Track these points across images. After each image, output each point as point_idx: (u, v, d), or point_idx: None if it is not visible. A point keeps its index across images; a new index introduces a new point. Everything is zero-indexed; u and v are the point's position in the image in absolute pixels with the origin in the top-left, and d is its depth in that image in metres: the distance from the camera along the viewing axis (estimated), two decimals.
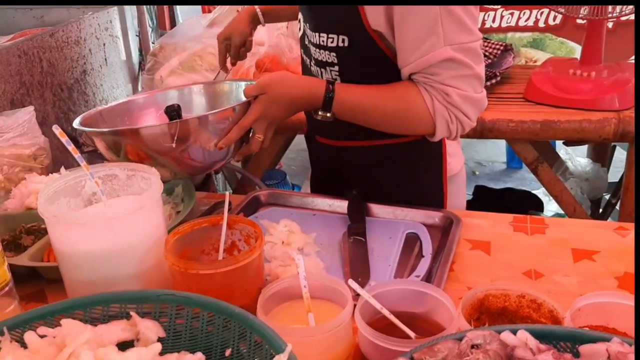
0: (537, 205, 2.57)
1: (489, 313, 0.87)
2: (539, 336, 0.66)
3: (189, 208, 1.19)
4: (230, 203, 1.24)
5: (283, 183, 2.81)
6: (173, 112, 1.21)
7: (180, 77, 2.39)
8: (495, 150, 4.12)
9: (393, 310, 0.88)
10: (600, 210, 2.65)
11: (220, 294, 0.83)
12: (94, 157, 1.74)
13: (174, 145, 1.05)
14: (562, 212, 2.39)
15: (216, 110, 1.12)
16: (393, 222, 1.18)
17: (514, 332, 0.66)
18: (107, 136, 1.11)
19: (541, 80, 2.03)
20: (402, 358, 0.62)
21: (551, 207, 2.71)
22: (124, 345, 0.72)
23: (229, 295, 0.85)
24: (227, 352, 0.70)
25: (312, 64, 1.21)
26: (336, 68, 1.15)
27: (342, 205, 1.23)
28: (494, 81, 2.13)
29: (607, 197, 2.64)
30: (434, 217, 1.19)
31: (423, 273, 1.02)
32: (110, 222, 0.84)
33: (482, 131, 2.00)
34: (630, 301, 0.82)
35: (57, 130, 0.91)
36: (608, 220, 2.59)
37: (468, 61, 1.05)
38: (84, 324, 0.69)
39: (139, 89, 2.98)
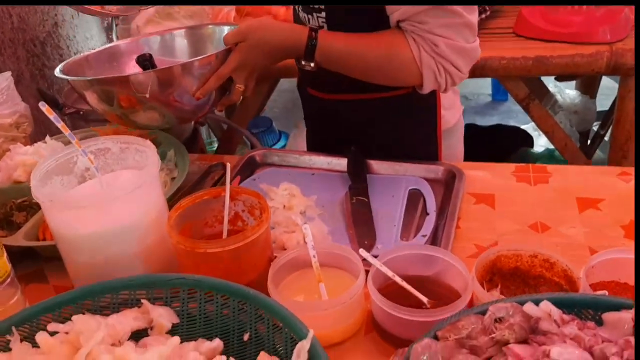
0: (527, 141, 2.57)
1: (501, 274, 0.86)
2: (560, 304, 0.65)
3: (184, 174, 1.15)
4: (225, 167, 1.21)
5: (269, 131, 2.75)
6: (145, 62, 1.16)
7: (158, 25, 2.28)
8: (480, 83, 4.08)
9: (402, 274, 0.87)
10: (589, 142, 2.66)
11: (229, 270, 0.82)
12: (76, 120, 1.68)
13: (147, 95, 1.02)
14: (552, 147, 2.39)
15: (197, 58, 1.06)
16: (394, 179, 1.16)
17: (536, 303, 0.65)
18: (95, 86, 1.06)
19: (532, 14, 1.97)
20: (427, 338, 0.61)
21: (541, 141, 2.71)
22: (137, 334, 0.71)
23: (238, 271, 0.83)
24: (246, 337, 0.69)
25: (299, 9, 1.15)
26: (323, 14, 1.09)
27: (341, 163, 1.20)
28: (483, 16, 2.07)
29: (595, 128, 2.63)
30: (436, 171, 1.17)
31: (429, 232, 1.01)
32: (109, 202, 0.81)
33: (474, 70, 1.92)
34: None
35: (44, 107, 0.85)
36: (597, 151, 2.60)
37: (458, 9, 1.00)
38: (96, 319, 0.66)
39: (114, 39, 2.86)
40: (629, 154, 2.02)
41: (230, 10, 2.28)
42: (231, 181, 1.16)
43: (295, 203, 1.08)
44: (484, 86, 4.07)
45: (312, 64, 1.06)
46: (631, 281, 0.83)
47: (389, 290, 0.86)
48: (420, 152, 1.23)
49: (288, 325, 0.66)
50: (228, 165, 0.90)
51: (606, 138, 2.54)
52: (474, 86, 4.09)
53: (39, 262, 1.02)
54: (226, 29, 1.22)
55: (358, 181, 1.13)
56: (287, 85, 3.95)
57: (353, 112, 1.23)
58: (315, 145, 1.40)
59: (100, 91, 1.06)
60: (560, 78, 2.22)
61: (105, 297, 0.74)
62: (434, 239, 1.00)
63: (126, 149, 0.93)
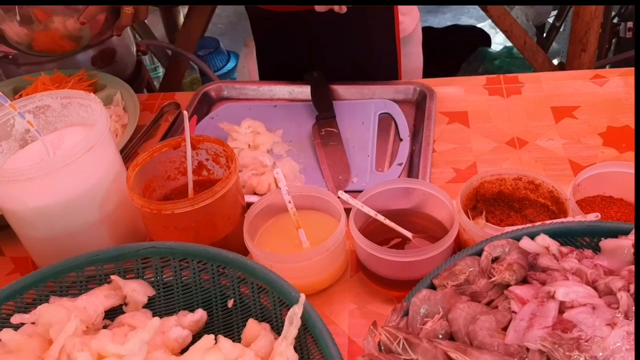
0: (484, 40, 2.50)
1: (484, 200, 0.83)
2: (556, 234, 0.63)
3: (135, 120, 1.06)
4: (179, 107, 1.13)
5: (217, 52, 2.59)
6: None
7: None
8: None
9: (382, 209, 0.83)
10: (545, 34, 2.62)
11: (201, 229, 0.77)
12: (6, 65, 1.52)
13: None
14: (509, 44, 2.34)
15: None
16: (362, 104, 1.09)
17: (531, 236, 0.62)
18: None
19: None
20: (424, 289, 0.58)
21: (498, 39, 2.65)
22: (111, 312, 0.65)
23: (211, 228, 0.78)
24: (230, 303, 0.64)
25: None
26: None
27: (304, 91, 1.12)
28: None
29: (551, 20, 2.58)
30: (405, 91, 1.10)
31: (405, 159, 0.96)
32: (59, 171, 0.72)
33: None
34: (621, 168, 0.79)
35: None
36: (553, 44, 2.57)
37: None
38: (65, 306, 0.60)
39: None
40: (587, 46, 1.99)
41: None
42: (188, 121, 1.08)
43: (261, 141, 1.01)
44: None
45: None
46: (616, 194, 0.82)
47: (372, 229, 0.83)
48: (380, 66, 1.17)
49: (275, 289, 0.61)
50: (185, 113, 0.81)
51: (562, 29, 2.50)
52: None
53: None
54: None
55: (324, 111, 1.06)
56: None
57: (305, 25, 1.14)
58: (268, 69, 1.32)
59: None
60: None
61: (70, 276, 0.67)
62: (411, 167, 0.96)
63: (68, 104, 0.84)
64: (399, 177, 0.94)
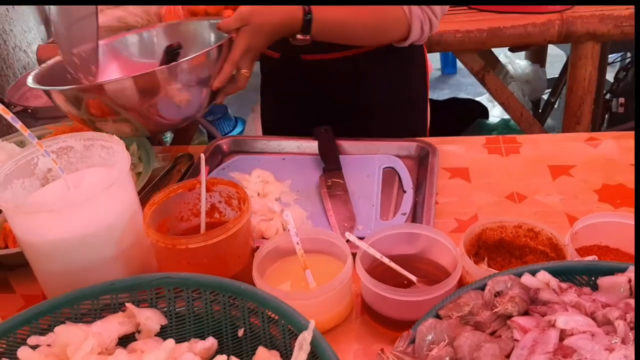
0: (482, 112, 2.60)
1: (486, 247, 0.86)
2: (556, 273, 0.65)
3: (150, 168, 1.10)
4: (192, 158, 1.17)
5: (225, 117, 2.69)
6: (174, 52, 1.11)
7: (101, 13, 2.19)
8: (429, 57, 4.10)
9: (387, 254, 0.86)
10: (540, 110, 2.72)
11: (213, 265, 0.79)
12: (24, 118, 1.59)
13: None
14: (507, 116, 2.43)
15: (197, 54, 0.95)
16: (367, 158, 1.14)
17: (532, 273, 0.65)
18: (69, 92, 0.95)
19: None
20: (431, 318, 0.60)
21: (495, 112, 2.75)
22: (124, 340, 0.67)
23: (222, 265, 0.80)
24: (240, 332, 0.66)
25: None
26: None
27: (311, 145, 1.18)
28: None
29: (546, 96, 2.70)
30: (409, 148, 1.16)
31: (408, 210, 1.00)
32: (79, 205, 0.76)
33: (430, 45, 1.96)
34: (618, 218, 0.83)
35: None
36: (548, 120, 2.66)
37: None
38: (81, 328, 0.62)
39: (54, 30, 2.73)
40: (582, 120, 2.08)
41: None
42: (204, 164, 1.13)
43: (270, 190, 1.05)
44: (433, 60, 4.10)
45: (308, 37, 1.06)
46: (612, 244, 0.85)
47: (377, 272, 0.85)
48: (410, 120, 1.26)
49: (285, 317, 0.63)
50: (202, 156, 0.86)
51: (556, 105, 2.60)
52: None
53: (2, 271, 0.96)
54: (207, 24, 1.16)
55: (331, 163, 1.11)
56: None
57: (339, 70, 1.23)
58: (274, 124, 1.41)
59: (97, 97, 0.94)
60: (513, 49, 2.24)
61: (85, 304, 0.69)
62: (414, 217, 1.00)
63: (90, 146, 0.88)
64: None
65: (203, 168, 0.86)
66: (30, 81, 1.01)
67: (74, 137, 0.89)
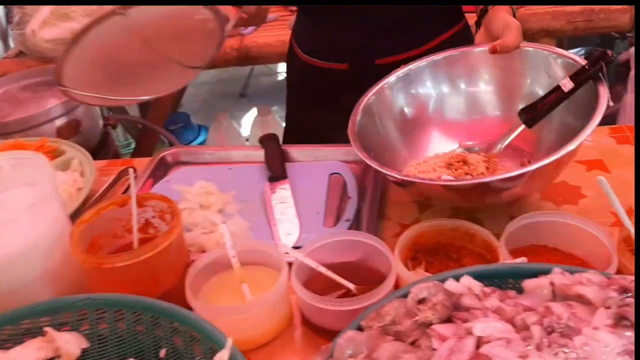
0: None
1: (423, 250, 0.85)
2: (481, 276, 0.65)
3: (89, 184, 1.08)
4: (135, 171, 1.15)
5: (188, 127, 2.66)
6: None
7: (55, 27, 2.15)
8: None
9: (328, 262, 0.85)
10: None
11: (143, 283, 0.77)
12: None
13: None
14: None
15: None
16: (315, 165, 1.13)
17: (457, 278, 0.64)
18: None
19: None
20: (350, 330, 0.59)
21: None
22: None
23: (153, 283, 0.79)
24: (162, 353, 0.64)
25: None
26: None
27: (259, 154, 1.16)
28: None
29: None
30: (355, 153, 1.13)
31: (352, 216, 0.99)
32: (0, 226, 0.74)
33: None
34: (556, 217, 0.83)
35: None
36: None
37: None
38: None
39: (11, 45, 2.69)
40: None
41: None
42: (143, 185, 1.11)
43: (213, 201, 1.03)
44: None
45: None
46: (550, 243, 0.84)
47: (317, 282, 0.84)
48: None
49: (206, 336, 0.62)
50: (131, 170, 0.84)
51: None
52: None
53: None
54: None
55: (276, 171, 1.09)
56: (206, 77, 3.85)
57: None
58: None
59: None
60: None
61: (6, 329, 0.67)
62: (358, 222, 0.98)
63: (18, 165, 0.86)
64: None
65: (133, 183, 0.84)
66: None
67: (2, 156, 0.86)
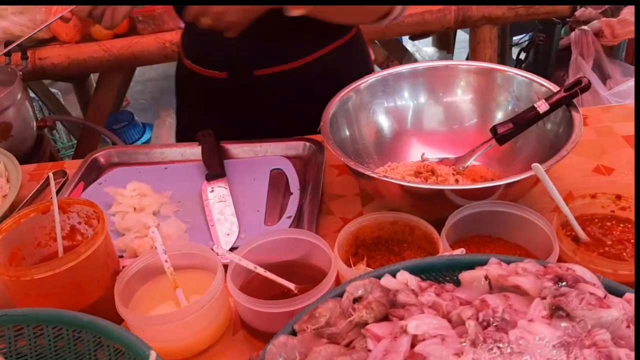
0: None
1: (365, 245, 0.83)
2: (419, 270, 0.63)
3: (16, 190, 1.02)
4: (66, 174, 1.09)
5: (132, 125, 2.57)
6: None
7: None
8: None
9: (268, 262, 0.82)
10: None
11: (67, 294, 0.73)
12: None
13: None
14: None
15: None
16: (255, 161, 1.10)
17: (394, 274, 0.62)
18: None
19: None
20: (283, 335, 0.56)
21: None
22: None
23: (78, 292, 0.74)
24: None
25: None
26: None
27: (195, 152, 1.11)
28: None
29: None
30: (296, 147, 1.12)
31: (294, 212, 0.96)
32: None
33: None
34: (500, 207, 0.81)
35: None
36: None
37: None
38: None
39: None
40: None
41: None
42: (74, 188, 1.05)
43: (147, 203, 0.98)
44: None
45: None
46: (494, 234, 0.83)
47: (256, 283, 0.81)
48: None
49: (129, 349, 0.58)
50: (50, 174, 0.79)
51: None
52: None
53: None
54: None
55: (214, 169, 1.05)
56: (153, 74, 3.75)
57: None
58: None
59: None
60: (414, 37, 2.25)
61: None
62: (300, 218, 0.96)
63: None
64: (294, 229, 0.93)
65: (53, 188, 0.79)
66: None
67: None
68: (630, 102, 1.11)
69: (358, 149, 1.00)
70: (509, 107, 0.99)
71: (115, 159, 1.15)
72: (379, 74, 1.03)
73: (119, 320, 0.74)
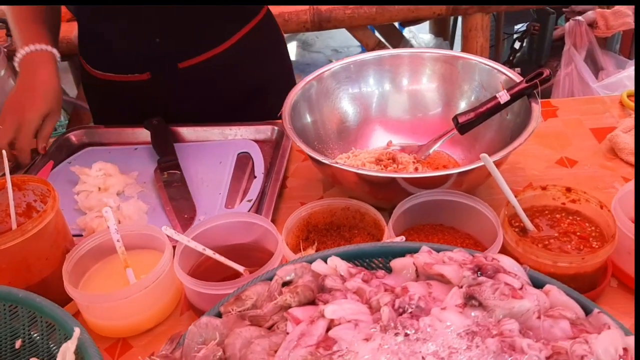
0: None
1: (316, 230, 0.84)
2: (352, 257, 0.63)
3: None
4: (35, 155, 1.10)
5: None
6: None
7: None
8: (349, 35, 4.08)
9: (223, 244, 0.83)
10: None
11: (13, 269, 0.74)
12: None
13: None
14: None
15: None
16: (223, 144, 1.10)
17: (325, 259, 0.62)
18: None
19: None
20: (206, 316, 0.57)
21: None
22: None
23: (25, 269, 0.75)
24: (17, 344, 0.61)
25: None
26: None
27: None
28: None
29: None
30: (265, 131, 1.12)
31: (255, 196, 0.96)
32: None
33: (320, 22, 1.92)
34: (445, 196, 0.81)
35: None
36: None
37: None
38: None
39: None
40: None
41: None
42: (43, 166, 1.06)
43: (113, 183, 0.99)
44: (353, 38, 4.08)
45: None
46: (446, 222, 0.83)
47: (207, 265, 0.82)
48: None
49: (61, 326, 0.59)
50: (3, 152, 0.80)
51: None
52: (343, 38, 4.08)
53: None
54: None
55: (165, 154, 1.06)
56: None
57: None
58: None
59: None
60: (406, 24, 2.23)
61: None
62: (261, 203, 0.96)
63: None
64: (248, 212, 0.93)
65: (6, 165, 0.80)
66: None
67: None
68: (619, 93, 1.10)
69: (321, 135, 1.00)
70: (473, 97, 0.98)
71: (86, 138, 1.16)
72: (343, 61, 1.02)
73: (68, 298, 0.76)
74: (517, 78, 0.92)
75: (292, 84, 1.12)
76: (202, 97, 1.17)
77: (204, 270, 0.81)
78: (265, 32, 1.21)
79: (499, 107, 0.91)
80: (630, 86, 1.75)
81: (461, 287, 0.54)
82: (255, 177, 1.01)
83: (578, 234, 0.75)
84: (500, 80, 0.95)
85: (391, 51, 1.03)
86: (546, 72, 0.88)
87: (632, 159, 0.94)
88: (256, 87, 1.21)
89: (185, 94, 1.16)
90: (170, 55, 1.12)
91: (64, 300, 0.77)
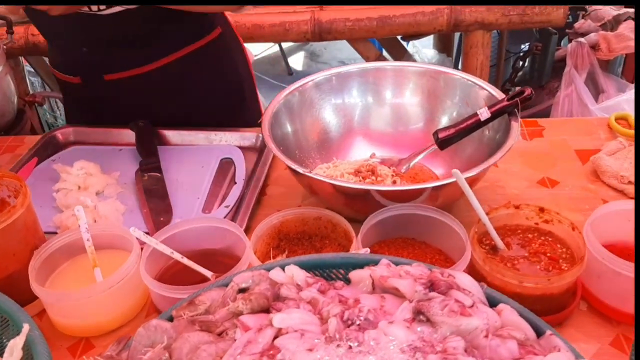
0: None
1: (288, 239, 0.83)
2: (312, 266, 0.63)
3: None
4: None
5: None
6: None
7: None
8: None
9: (195, 249, 0.83)
10: None
11: None
12: None
13: None
14: None
15: None
16: (207, 149, 1.10)
17: (284, 267, 0.62)
18: None
19: None
20: (157, 320, 0.56)
21: None
22: None
23: None
24: None
25: None
26: None
27: None
28: None
29: None
30: (250, 138, 1.12)
31: (234, 202, 0.96)
32: None
33: (321, 33, 1.92)
34: (416, 210, 0.80)
35: None
36: None
37: None
38: None
39: None
40: None
41: None
42: (26, 163, 1.06)
43: (92, 182, 0.99)
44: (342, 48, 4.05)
45: None
46: (418, 236, 0.83)
47: (177, 269, 0.81)
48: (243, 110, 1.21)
49: (13, 320, 0.59)
50: None
51: None
52: (351, 50, 4.08)
53: None
54: None
55: (147, 156, 1.06)
56: None
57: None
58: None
59: None
60: (406, 38, 2.23)
61: None
62: (238, 209, 0.96)
63: None
64: (224, 218, 0.93)
65: None
66: None
67: None
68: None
69: (302, 144, 1.00)
70: (455, 112, 0.97)
71: (72, 137, 1.16)
72: (327, 72, 1.02)
73: (35, 295, 0.75)
74: (500, 95, 0.91)
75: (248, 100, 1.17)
76: (130, 111, 1.15)
77: (173, 274, 0.81)
78: (210, 54, 1.18)
79: (479, 124, 0.90)
80: (628, 109, 1.74)
81: (411, 301, 0.53)
82: (235, 183, 1.01)
83: (548, 254, 0.74)
84: (482, 96, 0.95)
85: (375, 64, 1.03)
86: (527, 90, 0.87)
87: (613, 182, 0.93)
88: (191, 104, 1.19)
89: (116, 102, 1.16)
90: (97, 66, 1.12)
91: (31, 297, 0.77)
